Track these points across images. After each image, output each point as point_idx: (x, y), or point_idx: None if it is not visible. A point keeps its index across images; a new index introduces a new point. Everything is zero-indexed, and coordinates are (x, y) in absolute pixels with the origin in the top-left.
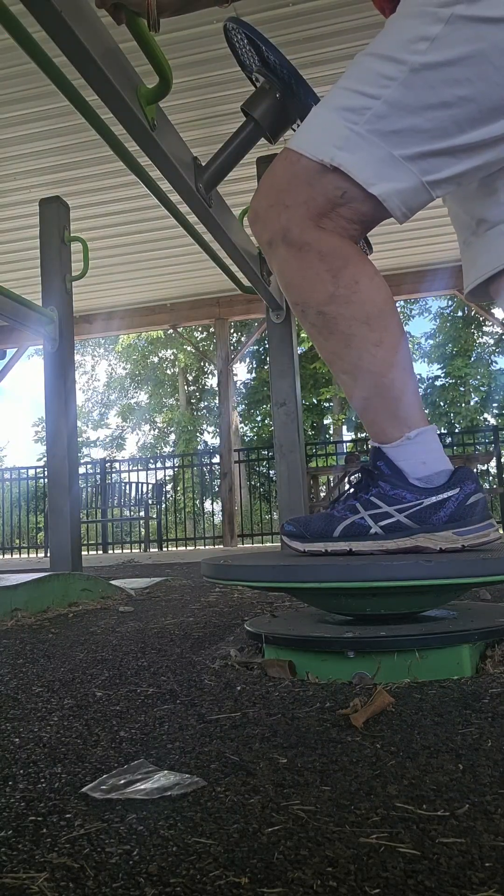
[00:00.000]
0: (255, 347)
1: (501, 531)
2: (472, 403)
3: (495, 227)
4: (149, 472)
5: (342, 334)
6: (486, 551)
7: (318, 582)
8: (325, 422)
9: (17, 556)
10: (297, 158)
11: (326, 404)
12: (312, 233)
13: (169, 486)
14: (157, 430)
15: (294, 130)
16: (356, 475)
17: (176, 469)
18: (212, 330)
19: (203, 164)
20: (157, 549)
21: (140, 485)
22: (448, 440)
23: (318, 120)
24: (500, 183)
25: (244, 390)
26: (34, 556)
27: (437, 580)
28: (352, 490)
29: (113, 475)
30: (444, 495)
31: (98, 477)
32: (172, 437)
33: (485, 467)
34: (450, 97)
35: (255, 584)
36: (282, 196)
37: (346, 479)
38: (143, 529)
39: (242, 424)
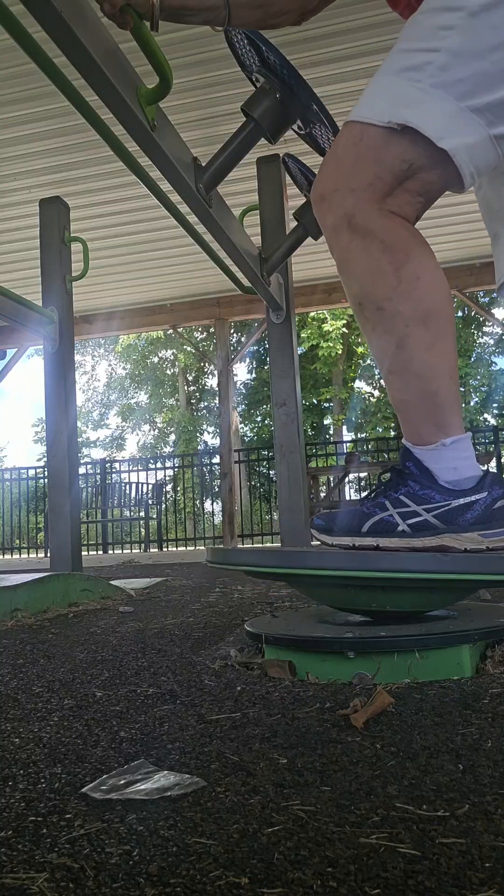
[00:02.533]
0: (255, 348)
1: None
2: (472, 404)
3: None
4: (149, 472)
5: (397, 334)
6: None
7: (330, 570)
8: (325, 422)
9: (17, 556)
10: (360, 133)
11: (326, 404)
12: (377, 219)
13: (169, 487)
14: (157, 431)
15: (294, 130)
16: (386, 474)
17: (176, 469)
18: (212, 330)
19: (203, 164)
20: (157, 550)
21: (140, 485)
22: None
23: (379, 86)
24: None
25: (244, 390)
26: (34, 556)
27: (451, 575)
28: (381, 488)
29: (113, 475)
30: (472, 498)
31: (98, 477)
32: (172, 437)
33: (485, 467)
34: None
35: (266, 570)
36: (348, 178)
37: (378, 478)
38: (143, 529)
39: (242, 425)
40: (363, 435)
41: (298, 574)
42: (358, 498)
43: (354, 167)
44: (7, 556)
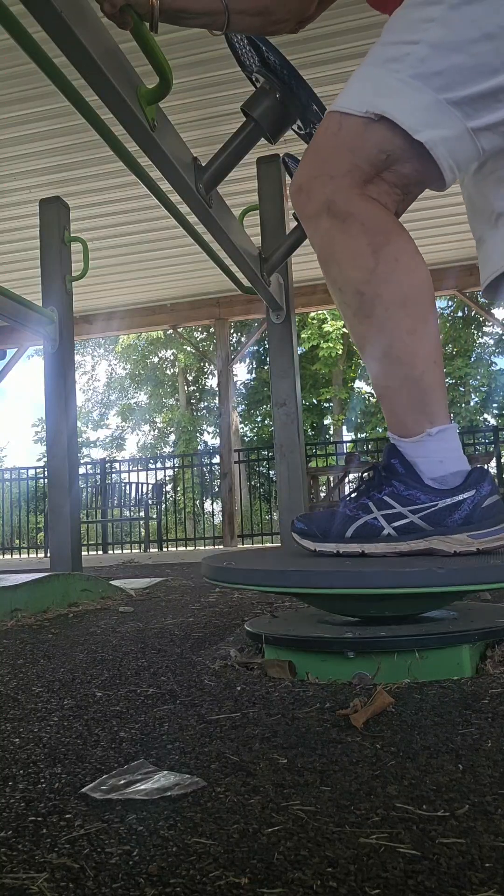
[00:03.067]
0: (255, 348)
1: None
2: (472, 404)
3: None
4: (149, 472)
5: (377, 318)
6: (499, 555)
7: (329, 588)
8: (325, 422)
9: (17, 556)
10: (339, 123)
11: (326, 404)
12: (357, 202)
13: (169, 487)
14: (157, 431)
15: (294, 130)
16: (368, 472)
17: (176, 469)
18: (212, 330)
19: (203, 164)
20: (157, 550)
21: (140, 485)
22: None
23: (360, 76)
24: None
25: (244, 390)
26: (34, 556)
27: (449, 587)
28: (363, 487)
29: (113, 475)
30: (460, 497)
31: (98, 477)
32: (172, 437)
33: (484, 468)
34: (493, 28)
35: (262, 589)
36: (326, 166)
37: (360, 477)
38: (143, 530)
39: (242, 425)
40: (363, 435)
41: (298, 594)
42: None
43: (332, 155)
44: (7, 556)
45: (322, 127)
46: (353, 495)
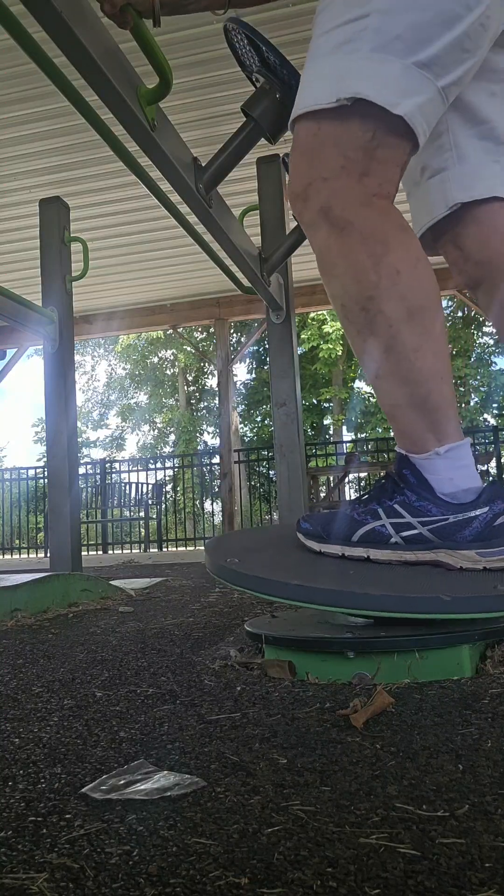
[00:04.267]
0: (255, 348)
1: None
2: (472, 404)
3: (436, 175)
4: (149, 472)
5: (382, 337)
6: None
7: (337, 606)
8: (325, 422)
9: (17, 556)
10: (315, 123)
11: (326, 405)
12: (356, 209)
13: (169, 487)
14: (156, 431)
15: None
16: (383, 479)
17: (176, 469)
18: (212, 330)
19: (203, 164)
20: (157, 550)
21: (140, 485)
22: None
23: (315, 74)
24: (443, 127)
25: (244, 391)
26: (34, 556)
27: (454, 615)
28: (373, 493)
29: (113, 475)
30: (472, 514)
31: (98, 477)
32: (172, 437)
33: (485, 468)
34: None
35: (266, 597)
36: (315, 169)
37: (378, 480)
38: (143, 530)
39: (242, 425)
40: (363, 435)
41: (303, 605)
42: (349, 500)
43: (319, 154)
44: (7, 556)
45: (298, 135)
46: (362, 499)
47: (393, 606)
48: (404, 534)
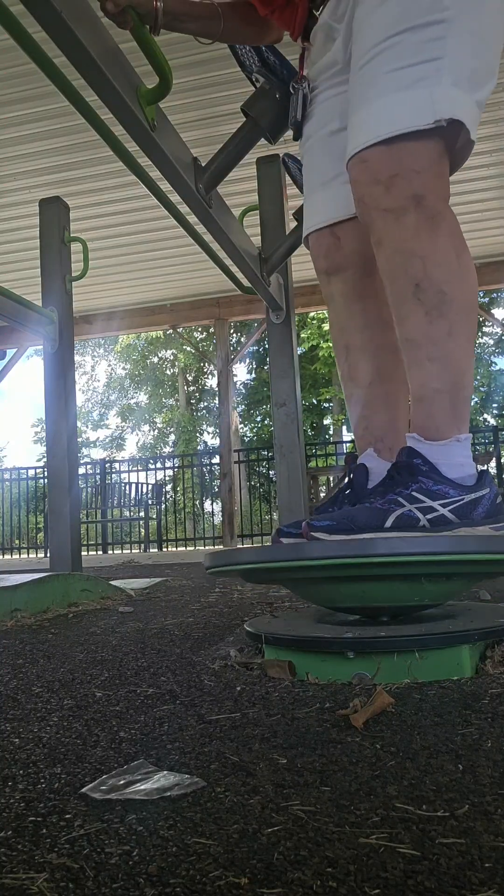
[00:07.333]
0: (255, 348)
1: None
2: (471, 404)
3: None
4: (149, 472)
5: (449, 320)
6: None
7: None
8: (325, 422)
9: (17, 556)
10: (397, 138)
11: (326, 405)
12: (443, 204)
13: (169, 487)
14: (156, 431)
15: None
16: (392, 471)
17: (176, 469)
18: (212, 330)
19: (203, 164)
20: (156, 550)
21: (140, 485)
22: None
23: (395, 99)
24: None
25: (244, 391)
26: (34, 556)
27: (477, 555)
28: (385, 485)
29: (113, 475)
30: (480, 493)
31: (98, 477)
32: (172, 437)
33: (484, 468)
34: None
35: (262, 566)
36: (406, 162)
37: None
38: (142, 530)
39: (242, 425)
40: None
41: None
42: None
43: (410, 153)
44: (7, 556)
45: (378, 144)
46: (377, 490)
47: (476, 547)
48: (429, 516)
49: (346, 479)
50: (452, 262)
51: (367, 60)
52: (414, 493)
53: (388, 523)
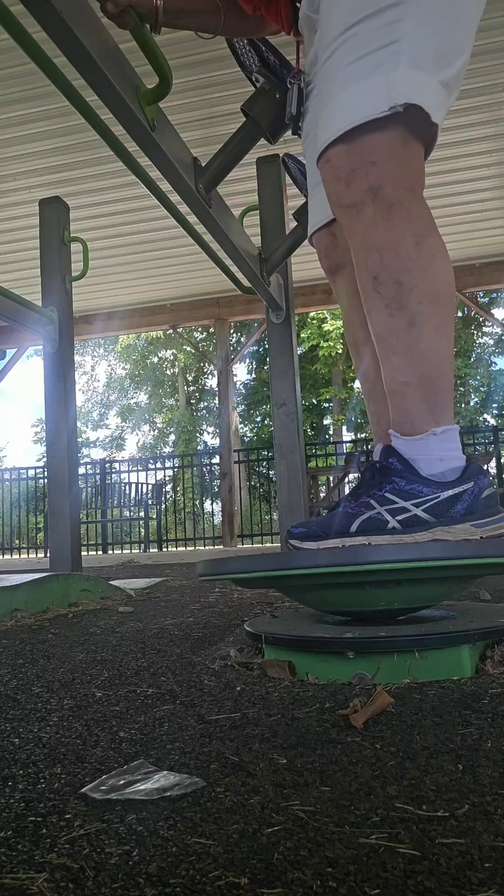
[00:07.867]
0: (255, 348)
1: None
2: (471, 404)
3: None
4: (148, 472)
5: (410, 310)
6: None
7: (397, 563)
8: (325, 422)
9: (17, 556)
10: (357, 130)
11: (326, 405)
12: (403, 192)
13: (169, 487)
14: (156, 431)
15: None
16: (366, 472)
17: (176, 469)
18: (212, 330)
19: (203, 164)
20: (156, 550)
21: (140, 485)
22: None
23: (354, 92)
24: None
25: (244, 391)
26: (34, 556)
27: (493, 559)
28: (361, 488)
29: (113, 475)
30: (460, 489)
31: (98, 477)
32: (172, 437)
33: (484, 468)
34: (455, 10)
35: (253, 576)
36: (362, 156)
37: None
38: (142, 530)
39: (242, 425)
40: (363, 435)
41: (294, 575)
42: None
43: (366, 146)
44: (7, 556)
45: (340, 138)
46: (352, 496)
47: (439, 554)
48: (400, 517)
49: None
50: (410, 250)
51: (328, 56)
52: (386, 495)
53: (354, 528)
